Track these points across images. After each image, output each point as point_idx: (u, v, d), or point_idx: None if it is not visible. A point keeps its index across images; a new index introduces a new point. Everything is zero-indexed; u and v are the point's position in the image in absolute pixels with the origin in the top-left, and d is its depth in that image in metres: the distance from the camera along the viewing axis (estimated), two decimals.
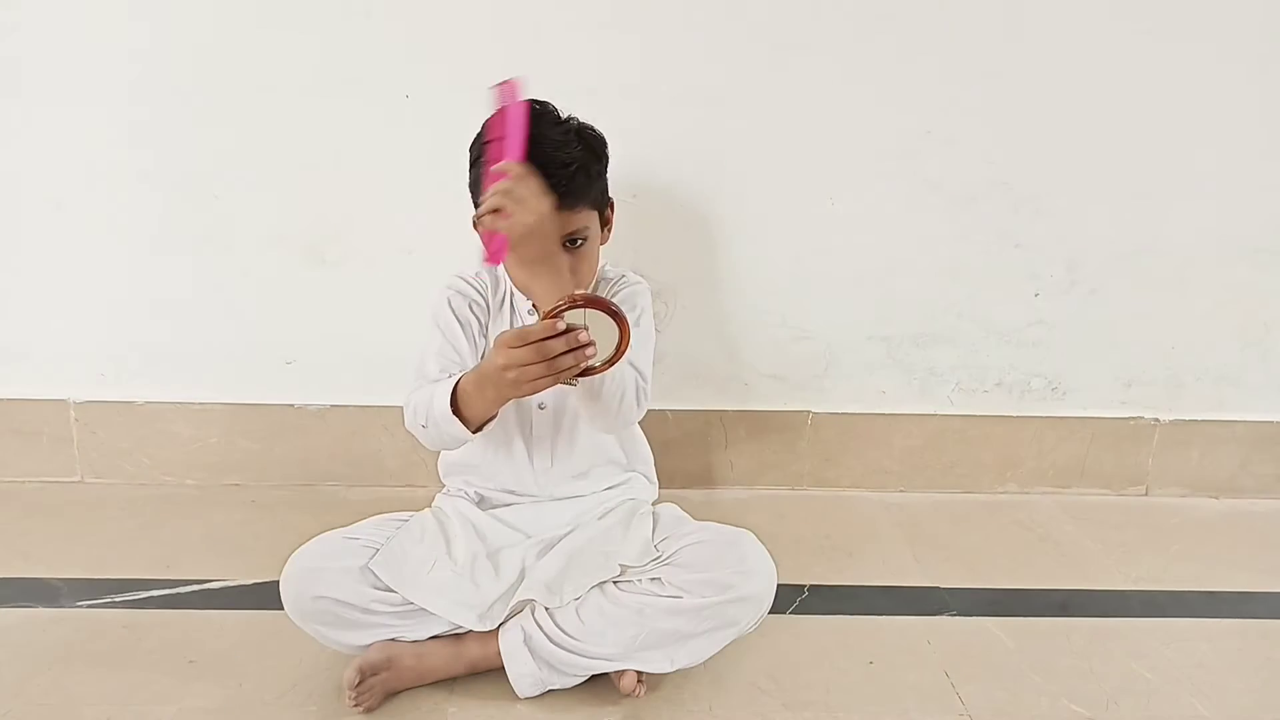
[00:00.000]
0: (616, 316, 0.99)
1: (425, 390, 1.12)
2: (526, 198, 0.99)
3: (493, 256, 1.01)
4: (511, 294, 1.25)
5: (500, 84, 1.04)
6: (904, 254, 1.68)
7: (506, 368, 0.97)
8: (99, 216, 1.62)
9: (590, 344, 0.96)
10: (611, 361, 1.02)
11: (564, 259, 1.07)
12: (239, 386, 1.70)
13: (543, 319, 0.98)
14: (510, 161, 1.00)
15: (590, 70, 1.55)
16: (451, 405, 1.08)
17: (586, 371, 1.00)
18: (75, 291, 1.66)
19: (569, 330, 0.96)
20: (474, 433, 1.10)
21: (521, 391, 1.00)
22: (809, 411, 1.74)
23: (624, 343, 1.01)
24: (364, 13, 1.53)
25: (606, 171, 1.20)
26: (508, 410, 1.19)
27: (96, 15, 1.53)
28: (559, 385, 1.00)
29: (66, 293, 1.66)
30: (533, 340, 0.95)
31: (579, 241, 1.13)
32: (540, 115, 1.10)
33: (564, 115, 1.15)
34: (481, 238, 1.01)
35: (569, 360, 0.96)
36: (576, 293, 0.99)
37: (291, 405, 1.71)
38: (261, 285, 1.66)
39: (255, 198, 1.61)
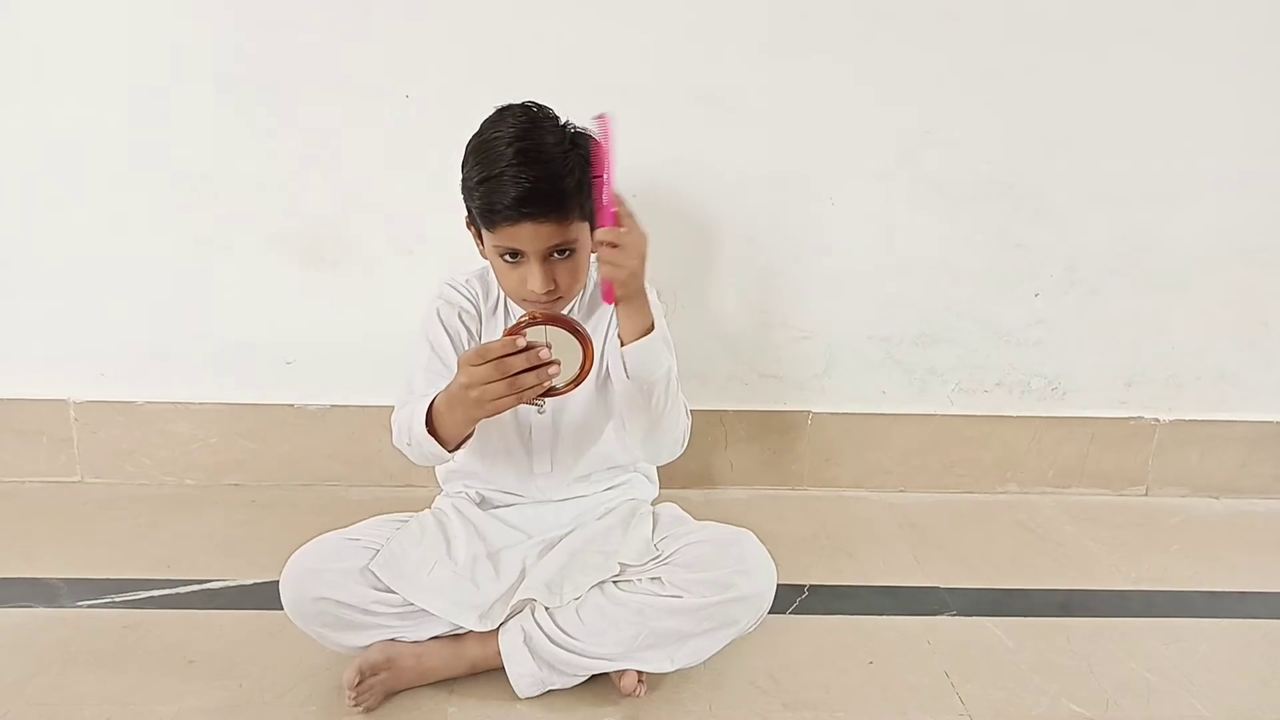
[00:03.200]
0: (580, 335, 0.98)
1: (407, 408, 1.11)
2: (632, 242, 0.99)
3: (606, 297, 1.01)
4: (504, 300, 1.23)
5: (599, 117, 1.02)
6: (904, 254, 1.68)
7: (468, 385, 0.96)
8: (98, 216, 1.62)
9: (553, 363, 0.95)
10: (576, 382, 1.01)
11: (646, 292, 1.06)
12: (239, 386, 1.70)
13: (504, 335, 0.97)
14: (615, 197, 0.99)
15: (590, 70, 1.55)
16: (427, 424, 1.07)
17: (550, 392, 0.99)
18: (75, 291, 1.65)
19: (529, 348, 0.95)
20: (451, 452, 1.09)
21: (484, 411, 0.99)
22: (809, 411, 1.74)
23: (588, 363, 1.00)
24: (364, 13, 1.53)
25: None
26: (505, 416, 1.19)
27: (97, 15, 1.52)
28: (523, 405, 0.99)
29: (66, 293, 1.66)
30: (492, 357, 0.94)
31: (566, 253, 1.09)
32: (537, 121, 1.09)
33: (561, 120, 1.11)
34: (600, 281, 1.02)
35: (531, 379, 0.95)
36: (537, 310, 0.98)
37: (291, 405, 1.71)
38: (261, 285, 1.66)
39: (255, 198, 1.61)
